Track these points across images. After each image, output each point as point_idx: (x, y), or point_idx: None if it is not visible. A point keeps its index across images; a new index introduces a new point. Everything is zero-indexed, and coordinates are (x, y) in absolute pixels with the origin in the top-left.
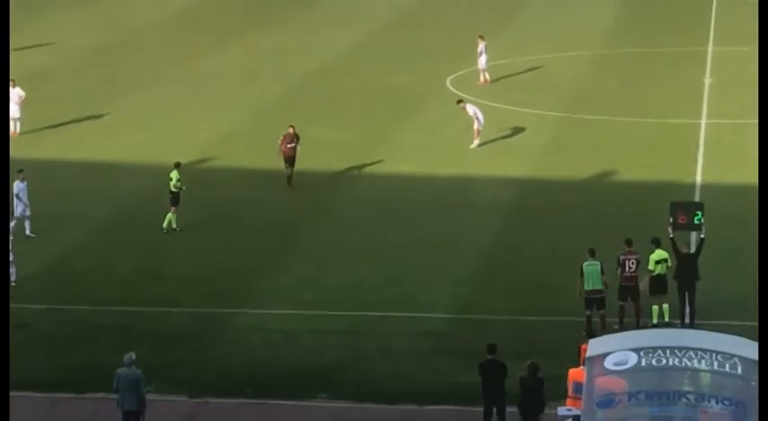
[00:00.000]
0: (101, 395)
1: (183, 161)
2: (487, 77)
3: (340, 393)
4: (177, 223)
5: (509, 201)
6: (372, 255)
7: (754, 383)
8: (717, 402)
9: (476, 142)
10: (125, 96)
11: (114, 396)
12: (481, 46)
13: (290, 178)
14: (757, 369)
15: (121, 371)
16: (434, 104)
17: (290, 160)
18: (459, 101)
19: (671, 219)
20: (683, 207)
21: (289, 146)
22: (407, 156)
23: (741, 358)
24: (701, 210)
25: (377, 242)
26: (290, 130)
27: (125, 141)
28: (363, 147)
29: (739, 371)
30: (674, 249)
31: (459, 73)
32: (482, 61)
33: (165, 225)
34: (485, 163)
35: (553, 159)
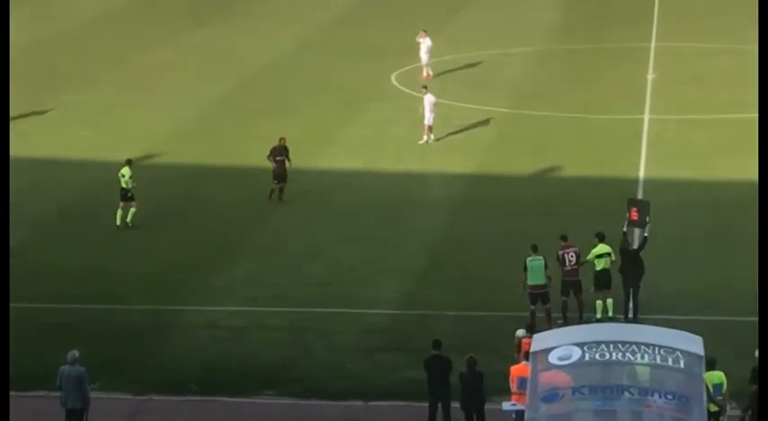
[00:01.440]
0: (43, 393)
1: (129, 157)
2: (430, 73)
3: (286, 390)
4: (132, 219)
5: (454, 197)
6: (318, 251)
7: (697, 377)
8: (660, 396)
9: (426, 138)
10: (68, 92)
11: (57, 394)
12: (424, 40)
13: (280, 193)
14: (702, 363)
15: (65, 368)
16: (379, 100)
17: (281, 176)
18: (424, 86)
19: (627, 214)
20: (637, 204)
21: (278, 159)
22: (352, 152)
23: (684, 352)
24: (648, 209)
25: (323, 238)
26: (279, 143)
27: (69, 137)
28: (308, 143)
29: (682, 365)
30: (621, 243)
31: (404, 69)
32: (425, 56)
33: (118, 222)
34: (430, 159)
35: (498, 155)
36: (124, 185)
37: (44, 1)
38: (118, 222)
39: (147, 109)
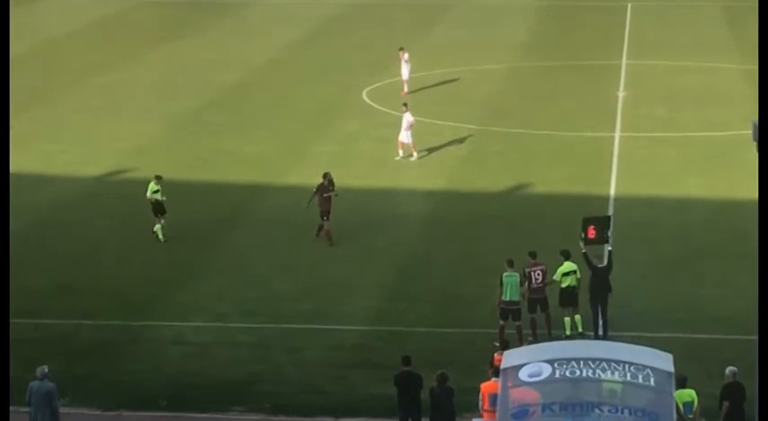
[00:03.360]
0: (12, 409)
1: (98, 173)
2: (406, 89)
3: (255, 406)
4: (163, 233)
5: (424, 214)
6: (288, 267)
7: (667, 394)
8: (630, 413)
9: (402, 154)
10: (36, 107)
11: (26, 409)
12: (403, 57)
13: (328, 232)
14: (672, 380)
15: (34, 384)
16: (350, 117)
17: (326, 213)
18: (404, 104)
19: (582, 234)
20: (594, 222)
21: (325, 196)
22: (323, 168)
23: (654, 369)
24: (609, 223)
25: (292, 254)
26: (325, 179)
27: (37, 152)
28: (278, 160)
29: (652, 382)
30: (586, 263)
31: (375, 85)
32: (405, 72)
33: (161, 237)
34: (400, 175)
35: (469, 171)
36: (159, 198)
37: (12, 19)
38: (160, 237)
39: (115, 124)
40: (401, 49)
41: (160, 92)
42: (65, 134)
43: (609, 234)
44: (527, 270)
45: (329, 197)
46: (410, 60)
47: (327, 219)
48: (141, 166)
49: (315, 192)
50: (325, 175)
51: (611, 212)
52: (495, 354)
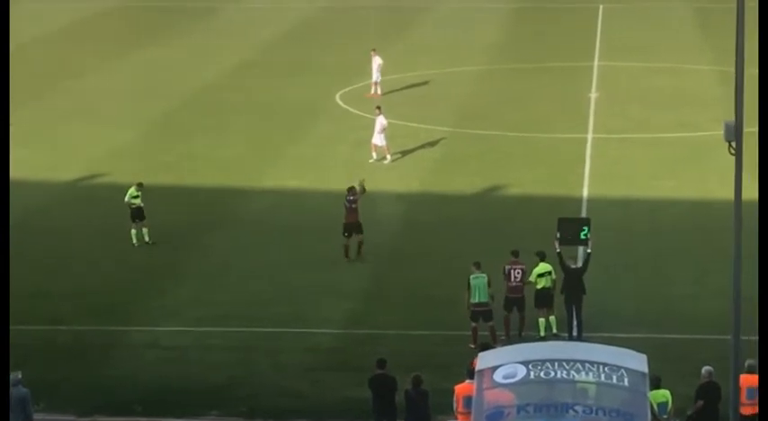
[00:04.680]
0: None
1: (70, 177)
2: (378, 91)
3: (232, 410)
4: (149, 236)
5: (399, 216)
6: (263, 271)
7: (641, 394)
8: (604, 414)
9: (375, 156)
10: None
11: None
12: (374, 59)
13: (360, 245)
14: (646, 380)
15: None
16: (324, 120)
17: (355, 226)
18: (378, 107)
19: (558, 234)
20: (570, 222)
21: (352, 207)
22: (297, 172)
23: (628, 370)
24: (588, 226)
25: (267, 258)
26: (351, 194)
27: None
28: (252, 163)
29: (626, 382)
30: (560, 263)
31: (349, 88)
32: (377, 74)
33: (135, 241)
34: (375, 178)
35: (443, 174)
36: (138, 203)
37: None
38: (134, 242)
39: (87, 129)
40: (373, 50)
41: (132, 96)
42: (36, 139)
43: (588, 236)
44: (507, 267)
45: (355, 209)
46: (382, 63)
47: (359, 233)
48: (114, 171)
49: (353, 208)
50: (351, 188)
51: (584, 214)
52: (475, 359)
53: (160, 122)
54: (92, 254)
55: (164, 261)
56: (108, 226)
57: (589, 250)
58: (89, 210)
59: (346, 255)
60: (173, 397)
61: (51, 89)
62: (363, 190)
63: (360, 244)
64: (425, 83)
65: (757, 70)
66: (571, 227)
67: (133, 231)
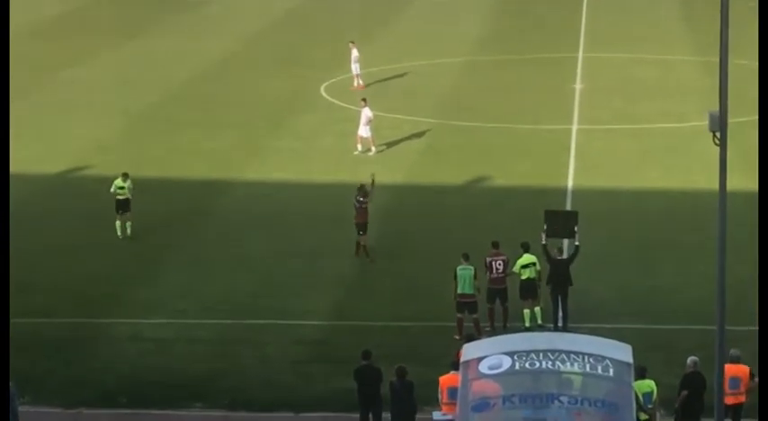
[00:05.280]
0: None
1: (56, 170)
2: (361, 82)
3: (216, 402)
4: (131, 230)
5: (384, 208)
6: (247, 263)
7: (626, 385)
8: (590, 404)
9: (360, 148)
10: None
11: None
12: (352, 51)
13: (365, 248)
14: (631, 371)
15: None
16: (309, 112)
17: (363, 225)
18: (363, 99)
19: (545, 227)
20: (557, 215)
21: (362, 207)
22: (282, 163)
23: (613, 360)
24: (576, 219)
25: (252, 250)
26: (360, 194)
27: None
28: (237, 155)
29: (611, 373)
30: (545, 255)
31: (333, 80)
32: (354, 67)
33: (119, 233)
34: (360, 170)
35: (427, 165)
36: (126, 196)
37: None
38: (119, 234)
39: (73, 121)
40: (352, 42)
41: (118, 88)
42: (23, 131)
43: (576, 229)
44: (488, 259)
45: (365, 209)
46: (358, 55)
47: (364, 233)
48: (100, 163)
49: (364, 207)
50: (360, 188)
51: (569, 204)
52: (460, 350)
53: (146, 115)
54: (77, 246)
55: (148, 253)
56: (93, 218)
57: (577, 242)
58: (74, 203)
59: (357, 253)
60: (157, 389)
61: (37, 81)
62: (373, 183)
63: (364, 245)
64: (410, 74)
65: (742, 61)
66: (558, 219)
67: (118, 223)
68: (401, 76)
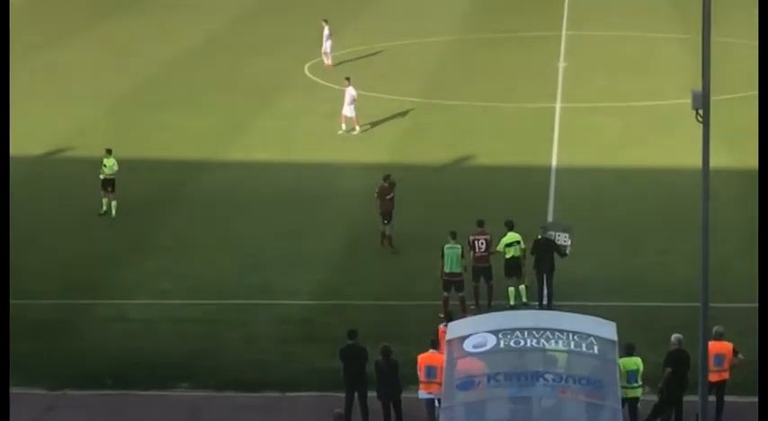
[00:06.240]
0: None
1: (38, 152)
2: (329, 61)
3: (201, 382)
4: (115, 210)
5: (368, 187)
6: (232, 242)
7: (611, 362)
8: (574, 382)
9: (345, 128)
10: None
11: None
12: (326, 29)
13: (390, 238)
14: (615, 348)
15: None
16: (293, 92)
17: (389, 214)
18: (347, 78)
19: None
20: (555, 225)
21: (387, 198)
22: (266, 143)
23: (597, 338)
24: (572, 232)
25: (236, 230)
26: (390, 181)
27: None
28: (221, 135)
29: (596, 350)
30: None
31: (317, 59)
32: (327, 45)
33: (105, 208)
34: (344, 149)
35: (412, 144)
36: (113, 174)
37: None
38: (104, 208)
39: (56, 103)
40: (324, 20)
41: (99, 70)
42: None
43: (569, 240)
44: (471, 238)
45: (391, 199)
46: (329, 33)
47: (389, 222)
48: (82, 146)
49: (376, 196)
50: (386, 178)
51: (552, 183)
52: (440, 326)
53: (129, 96)
54: (60, 228)
55: (132, 234)
56: (76, 200)
57: (567, 253)
58: (57, 185)
59: (381, 243)
60: (142, 369)
61: (17, 64)
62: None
63: (389, 234)
64: (394, 53)
65: (725, 38)
66: (556, 227)
67: (105, 200)
68: (385, 55)
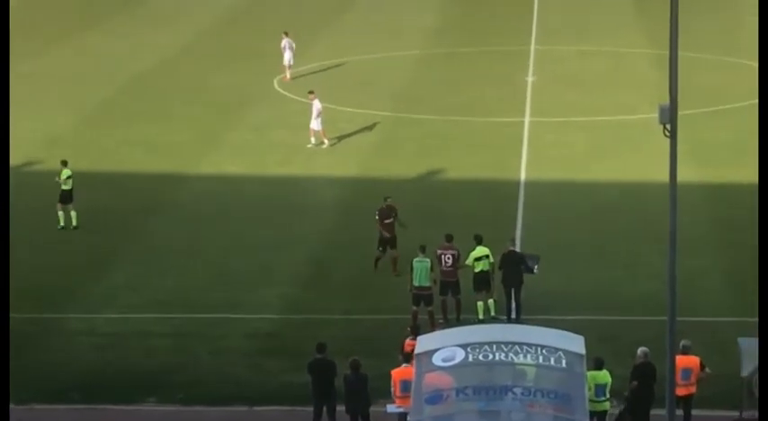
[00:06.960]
0: None
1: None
2: (288, 75)
3: (169, 397)
4: (77, 221)
5: (338, 201)
6: (200, 256)
7: (579, 375)
8: (542, 395)
9: (314, 141)
10: None
11: None
12: (284, 42)
13: (394, 263)
14: (583, 362)
15: None
16: (262, 105)
17: (390, 240)
18: (311, 91)
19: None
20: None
21: (386, 222)
22: (235, 156)
23: (566, 351)
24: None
25: (205, 244)
26: (387, 204)
27: None
28: (190, 148)
29: (564, 364)
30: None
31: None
32: (287, 57)
33: (62, 223)
34: (313, 163)
35: (381, 158)
36: (65, 187)
37: None
38: (62, 224)
39: (25, 116)
40: (285, 33)
41: (71, 82)
42: None
43: (536, 268)
44: (438, 252)
45: (391, 224)
46: (286, 45)
47: (393, 247)
48: (52, 158)
49: (377, 220)
50: (385, 199)
51: (521, 197)
52: (407, 340)
53: (99, 108)
54: (29, 241)
55: (100, 247)
56: (44, 212)
57: (535, 272)
58: (26, 197)
59: (375, 267)
60: (110, 384)
61: None
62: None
63: (395, 257)
64: (363, 67)
65: (692, 53)
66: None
67: (61, 213)
68: (355, 68)
